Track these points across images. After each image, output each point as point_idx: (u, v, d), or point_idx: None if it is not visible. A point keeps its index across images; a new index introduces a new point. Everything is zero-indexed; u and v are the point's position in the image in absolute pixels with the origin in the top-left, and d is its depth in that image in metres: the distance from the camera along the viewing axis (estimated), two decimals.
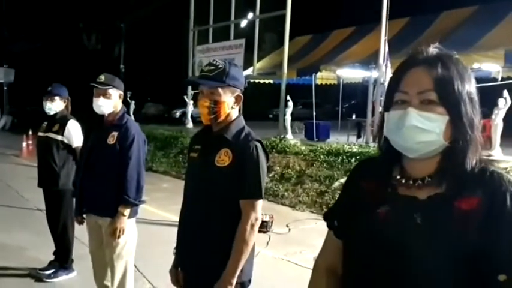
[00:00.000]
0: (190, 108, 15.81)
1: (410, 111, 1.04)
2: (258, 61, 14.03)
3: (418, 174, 1.09)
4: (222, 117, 1.99)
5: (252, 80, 14.70)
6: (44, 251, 4.42)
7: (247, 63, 13.13)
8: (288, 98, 11.17)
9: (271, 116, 21.93)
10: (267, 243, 5.51)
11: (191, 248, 2.03)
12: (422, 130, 1.03)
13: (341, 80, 15.27)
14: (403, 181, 1.10)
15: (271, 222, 6.06)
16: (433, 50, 1.09)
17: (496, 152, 7.21)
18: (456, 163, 1.05)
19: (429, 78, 1.04)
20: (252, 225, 1.94)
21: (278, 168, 8.87)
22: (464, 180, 1.03)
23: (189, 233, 2.04)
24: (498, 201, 1.00)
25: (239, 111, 2.07)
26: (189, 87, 14.66)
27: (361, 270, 1.12)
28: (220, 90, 1.95)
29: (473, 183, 1.03)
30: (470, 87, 1.06)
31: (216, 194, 1.96)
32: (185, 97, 15.67)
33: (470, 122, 1.04)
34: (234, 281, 1.91)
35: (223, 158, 1.94)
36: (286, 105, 11.25)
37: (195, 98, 14.81)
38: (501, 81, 9.83)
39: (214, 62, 1.98)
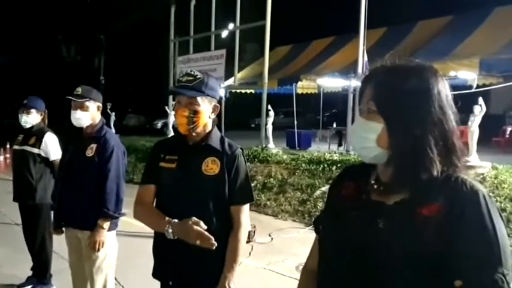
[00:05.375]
0: (171, 119, 15.70)
1: (357, 119, 1.15)
2: (239, 71, 14.06)
3: (388, 179, 1.12)
4: (200, 127, 1.99)
5: (233, 90, 14.72)
6: (22, 266, 4.31)
7: (229, 73, 13.16)
8: (270, 107, 11.24)
9: (253, 125, 22.03)
10: (250, 253, 5.49)
11: (184, 261, 1.95)
12: (362, 137, 1.12)
13: (321, 89, 15.43)
14: (375, 186, 1.14)
15: (254, 231, 6.04)
16: (386, 62, 1.14)
17: (473, 158, 7.35)
18: (405, 171, 1.07)
19: (372, 89, 1.12)
20: (245, 228, 2.03)
21: (260, 177, 8.87)
22: (428, 187, 1.06)
23: (180, 245, 1.85)
24: (458, 207, 1.02)
25: (213, 121, 2.07)
26: (170, 98, 14.60)
27: (331, 272, 1.17)
28: (199, 99, 1.96)
29: (437, 189, 1.05)
30: (419, 97, 1.07)
31: (205, 202, 1.95)
32: (166, 108, 15.58)
33: (410, 131, 1.06)
34: (233, 283, 1.96)
35: (212, 166, 1.95)
36: (267, 115, 11.29)
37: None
38: (476, 88, 10.05)
39: (192, 73, 1.98)
